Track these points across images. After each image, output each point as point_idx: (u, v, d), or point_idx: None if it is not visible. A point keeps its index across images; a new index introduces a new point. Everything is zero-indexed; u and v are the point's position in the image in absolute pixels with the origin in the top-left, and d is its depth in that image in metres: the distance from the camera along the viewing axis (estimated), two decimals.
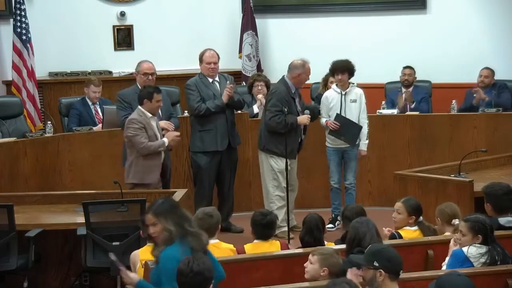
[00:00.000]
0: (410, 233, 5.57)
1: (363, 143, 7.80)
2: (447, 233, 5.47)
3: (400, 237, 5.51)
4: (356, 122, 7.72)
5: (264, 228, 5.51)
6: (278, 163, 7.57)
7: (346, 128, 7.65)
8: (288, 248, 5.54)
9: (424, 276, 4.53)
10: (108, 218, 5.96)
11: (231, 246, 5.42)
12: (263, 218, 5.52)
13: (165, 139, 7.01)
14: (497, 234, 4.97)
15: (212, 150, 7.64)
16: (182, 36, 10.58)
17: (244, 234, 7.53)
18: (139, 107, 6.93)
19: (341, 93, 7.73)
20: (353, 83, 7.80)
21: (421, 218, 5.63)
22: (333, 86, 7.82)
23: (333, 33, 10.30)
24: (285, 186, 7.39)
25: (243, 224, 7.58)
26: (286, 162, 7.19)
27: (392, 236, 5.53)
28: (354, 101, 7.74)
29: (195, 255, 4.30)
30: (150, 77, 7.43)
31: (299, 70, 7.59)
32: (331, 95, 7.78)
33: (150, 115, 6.92)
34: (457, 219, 5.47)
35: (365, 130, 7.77)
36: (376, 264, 4.12)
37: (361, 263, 4.22)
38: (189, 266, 4.16)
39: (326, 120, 7.73)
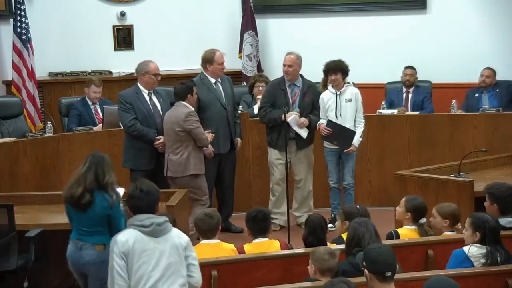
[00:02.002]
0: (407, 231, 5.58)
1: (356, 140, 7.67)
2: (447, 233, 5.48)
3: (398, 236, 5.52)
4: (352, 121, 7.67)
5: (255, 222, 5.50)
6: (270, 154, 7.86)
7: (338, 134, 7.61)
8: (288, 248, 5.54)
9: (424, 276, 4.51)
10: None
11: (232, 246, 5.42)
12: (253, 212, 5.54)
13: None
14: None
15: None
16: (182, 36, 10.57)
17: (244, 234, 7.47)
18: (182, 102, 7.01)
19: (336, 93, 7.70)
20: (349, 83, 7.78)
21: (423, 220, 5.60)
22: (329, 87, 7.79)
23: (333, 33, 10.29)
24: (279, 178, 7.70)
25: (243, 224, 7.49)
26: (286, 155, 7.31)
27: (390, 235, 5.54)
28: (350, 100, 7.70)
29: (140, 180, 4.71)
30: (159, 77, 7.39)
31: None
32: (327, 95, 7.76)
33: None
34: (459, 223, 5.50)
35: (360, 129, 7.72)
36: (364, 264, 4.15)
37: (359, 263, 4.26)
38: (137, 188, 4.56)
39: (319, 124, 7.71)
